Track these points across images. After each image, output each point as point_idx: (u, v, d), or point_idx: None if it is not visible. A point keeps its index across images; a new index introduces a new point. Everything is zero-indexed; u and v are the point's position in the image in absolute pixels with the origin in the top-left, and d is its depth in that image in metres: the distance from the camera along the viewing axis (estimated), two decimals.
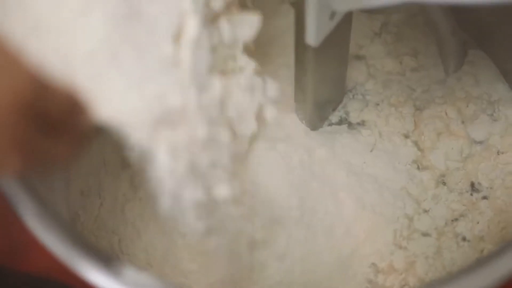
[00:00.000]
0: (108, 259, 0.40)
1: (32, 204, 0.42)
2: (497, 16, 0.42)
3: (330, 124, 0.62)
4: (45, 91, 0.31)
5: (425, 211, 0.59)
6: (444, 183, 0.60)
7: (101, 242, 0.56)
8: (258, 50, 0.50)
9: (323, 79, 0.56)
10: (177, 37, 0.36)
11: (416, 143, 0.61)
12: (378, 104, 0.62)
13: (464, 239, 0.57)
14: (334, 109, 0.62)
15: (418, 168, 0.60)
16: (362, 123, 0.62)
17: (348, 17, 0.51)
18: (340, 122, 0.62)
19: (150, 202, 0.55)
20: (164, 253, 0.55)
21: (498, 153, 0.60)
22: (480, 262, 0.41)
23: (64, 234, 0.41)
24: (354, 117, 0.62)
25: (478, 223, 0.57)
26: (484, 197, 0.59)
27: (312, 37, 0.47)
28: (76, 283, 0.64)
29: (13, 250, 0.69)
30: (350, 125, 0.62)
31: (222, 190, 0.43)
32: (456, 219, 0.58)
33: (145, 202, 0.57)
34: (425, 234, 0.58)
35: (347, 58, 0.59)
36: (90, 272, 0.40)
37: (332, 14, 0.47)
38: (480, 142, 0.61)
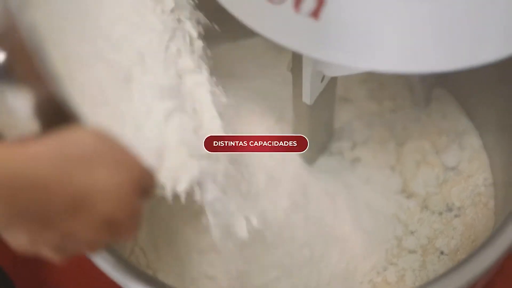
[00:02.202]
0: None
1: None
2: None
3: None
4: (145, 171, 0.44)
5: (412, 232, 0.72)
6: (426, 207, 0.73)
7: None
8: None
9: (316, 125, 0.70)
10: None
11: (400, 174, 0.74)
12: (365, 142, 0.76)
13: (442, 253, 0.71)
14: (325, 147, 0.76)
15: (406, 197, 0.74)
16: (356, 160, 0.75)
17: (334, 77, 0.64)
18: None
19: None
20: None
21: (467, 176, 0.74)
22: (451, 270, 0.54)
23: None
24: (348, 155, 0.76)
25: (452, 238, 0.71)
26: (456, 215, 0.72)
27: (308, 97, 0.61)
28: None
29: None
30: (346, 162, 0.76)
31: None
32: (436, 237, 0.71)
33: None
34: (412, 252, 0.71)
35: (334, 106, 0.72)
36: None
37: (323, 78, 0.61)
38: (452, 168, 0.75)
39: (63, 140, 0.38)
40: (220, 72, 0.60)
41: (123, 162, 0.41)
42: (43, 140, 0.38)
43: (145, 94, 0.49)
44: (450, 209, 0.73)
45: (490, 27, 0.44)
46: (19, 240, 0.38)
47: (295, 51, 0.45)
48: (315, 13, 0.42)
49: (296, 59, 0.58)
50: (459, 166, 0.75)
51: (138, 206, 0.42)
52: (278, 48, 0.79)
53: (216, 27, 0.58)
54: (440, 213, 0.73)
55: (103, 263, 0.55)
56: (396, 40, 0.44)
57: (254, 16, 0.45)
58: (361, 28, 0.43)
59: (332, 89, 0.67)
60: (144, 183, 0.43)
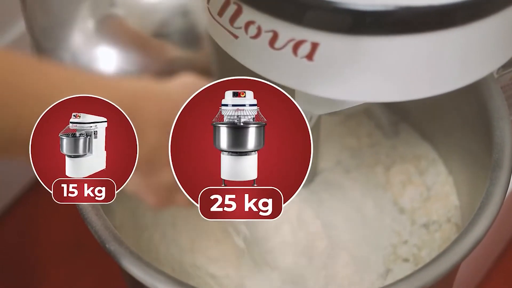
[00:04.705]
0: None
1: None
2: (415, 102, 0.68)
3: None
4: None
5: (405, 242, 0.84)
6: (414, 221, 0.85)
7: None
8: None
9: None
10: None
11: (391, 192, 0.87)
12: (357, 168, 0.89)
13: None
14: (315, 173, 0.88)
15: (398, 211, 0.86)
16: (352, 182, 0.87)
17: (319, 116, 0.77)
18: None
19: None
20: None
21: (445, 196, 0.86)
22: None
23: None
24: (344, 180, 0.88)
25: (433, 249, 0.83)
26: (436, 230, 0.85)
27: None
28: None
29: None
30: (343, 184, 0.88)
31: None
32: (422, 247, 0.83)
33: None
34: (406, 260, 0.82)
35: (319, 141, 0.85)
36: None
37: (311, 117, 0.73)
38: (432, 188, 0.87)
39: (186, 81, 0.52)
40: None
41: None
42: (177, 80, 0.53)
43: None
44: (433, 223, 0.85)
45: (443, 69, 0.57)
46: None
47: (293, 88, 0.58)
48: (310, 56, 0.54)
49: None
50: (436, 187, 0.87)
51: None
52: None
53: None
54: (426, 226, 0.85)
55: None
56: (371, 76, 0.57)
57: (259, 62, 0.58)
58: (345, 66, 0.56)
59: (317, 126, 0.80)
60: None
